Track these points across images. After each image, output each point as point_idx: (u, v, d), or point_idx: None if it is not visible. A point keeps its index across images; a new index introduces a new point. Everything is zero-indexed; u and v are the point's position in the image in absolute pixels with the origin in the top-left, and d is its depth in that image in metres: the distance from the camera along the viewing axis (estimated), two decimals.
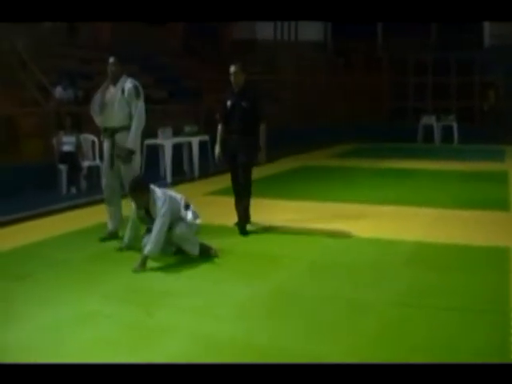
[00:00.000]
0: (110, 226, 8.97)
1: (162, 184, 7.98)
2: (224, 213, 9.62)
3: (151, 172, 14.75)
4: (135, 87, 8.73)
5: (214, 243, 8.16)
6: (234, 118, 9.22)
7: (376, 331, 5.55)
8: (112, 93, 8.70)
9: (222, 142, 9.50)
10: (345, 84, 27.53)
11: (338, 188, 13.48)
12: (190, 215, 7.91)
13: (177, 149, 15.71)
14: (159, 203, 7.55)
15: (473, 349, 5.11)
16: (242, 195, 9.30)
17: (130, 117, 8.67)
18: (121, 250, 8.19)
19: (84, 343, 5.36)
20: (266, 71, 26.56)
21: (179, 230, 7.68)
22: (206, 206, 8.76)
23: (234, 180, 9.41)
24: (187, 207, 7.96)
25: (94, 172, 13.52)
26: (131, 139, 8.65)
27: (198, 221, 7.98)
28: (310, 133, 23.90)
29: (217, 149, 9.47)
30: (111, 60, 8.75)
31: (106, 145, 8.88)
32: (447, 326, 5.62)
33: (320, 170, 17.14)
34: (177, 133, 15.82)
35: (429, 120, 24.53)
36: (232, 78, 9.24)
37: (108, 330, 5.64)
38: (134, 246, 8.06)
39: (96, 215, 10.07)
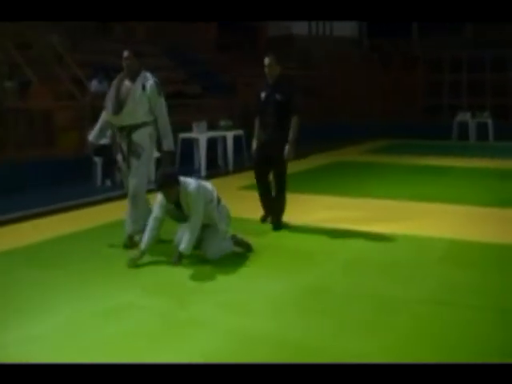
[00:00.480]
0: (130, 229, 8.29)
1: (195, 178, 7.79)
2: (257, 207, 9.55)
3: (186, 166, 14.83)
4: (157, 84, 8.19)
5: (247, 238, 8.21)
6: (268, 111, 9.03)
7: (408, 329, 5.52)
8: (129, 88, 8.09)
9: (258, 137, 9.32)
10: (379, 80, 27.35)
11: (373, 184, 13.38)
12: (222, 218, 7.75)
13: (211, 143, 15.76)
14: (193, 193, 7.31)
15: (506, 348, 5.07)
16: (277, 190, 9.15)
17: (148, 114, 8.15)
18: (126, 247, 8.15)
19: (116, 336, 5.41)
20: (301, 66, 26.53)
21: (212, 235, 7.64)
22: (240, 200, 8.75)
23: (262, 175, 9.26)
24: (218, 201, 7.80)
25: None
26: (169, 140, 8.26)
27: (224, 225, 7.77)
28: (344, 128, 23.81)
29: (254, 144, 9.32)
30: (126, 54, 8.15)
31: (123, 144, 8.19)
32: (479, 325, 5.56)
33: (354, 165, 17.06)
34: (212, 127, 15.88)
35: (464, 117, 24.28)
36: (266, 70, 9.07)
37: (141, 324, 5.67)
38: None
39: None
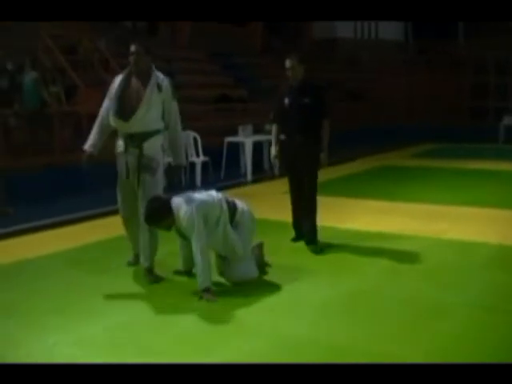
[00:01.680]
0: (146, 262, 7.13)
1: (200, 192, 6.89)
2: None
3: (231, 169, 14.86)
4: (171, 84, 7.07)
5: (290, 243, 8.19)
6: (294, 117, 8.18)
7: (453, 334, 5.46)
8: (139, 89, 6.86)
9: (278, 144, 8.55)
10: (425, 83, 27.15)
11: (418, 189, 13.22)
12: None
13: (257, 147, 15.75)
14: (185, 218, 6.40)
15: None
16: (307, 208, 8.35)
17: (160, 120, 6.97)
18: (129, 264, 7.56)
19: (162, 339, 5.44)
20: (345, 70, 26.47)
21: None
22: (284, 205, 8.67)
23: (295, 190, 8.46)
24: (232, 218, 6.76)
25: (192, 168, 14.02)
26: (182, 152, 7.32)
27: (241, 248, 6.74)
28: (389, 132, 23.67)
29: (272, 151, 8.59)
30: (133, 48, 6.92)
31: (130, 157, 6.89)
32: None
33: (399, 170, 16.86)
34: (257, 131, 15.86)
35: (510, 120, 23.95)
36: (289, 73, 8.22)
37: (186, 327, 5.69)
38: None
39: None
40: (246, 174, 15.10)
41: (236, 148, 15.83)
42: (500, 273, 7.19)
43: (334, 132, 8.30)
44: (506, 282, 6.87)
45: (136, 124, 6.77)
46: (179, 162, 7.32)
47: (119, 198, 7.24)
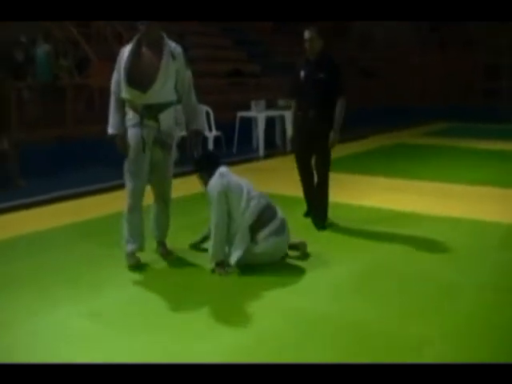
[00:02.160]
0: (134, 245, 6.71)
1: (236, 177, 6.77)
2: None
3: (243, 144, 14.83)
4: (184, 52, 6.70)
5: (303, 220, 8.15)
6: (310, 92, 7.91)
7: (467, 315, 5.43)
8: (151, 58, 6.45)
9: (296, 122, 8.33)
10: (438, 62, 26.99)
11: (430, 167, 13.20)
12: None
13: (269, 122, 15.70)
14: (210, 187, 6.42)
15: None
16: (321, 181, 8.13)
17: (174, 91, 6.60)
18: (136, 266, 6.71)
19: (177, 316, 5.44)
20: (359, 48, 26.33)
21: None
22: (296, 179, 8.58)
23: (306, 166, 8.21)
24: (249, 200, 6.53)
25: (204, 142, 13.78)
26: (202, 120, 7.13)
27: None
28: (402, 111, 23.59)
29: (289, 130, 8.17)
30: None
31: (146, 130, 6.47)
32: None
33: (413, 148, 16.79)
34: (270, 106, 15.81)
35: None
36: (307, 45, 7.92)
37: (198, 303, 5.66)
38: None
39: (187, 185, 9.49)
40: (258, 149, 15.07)
41: (248, 123, 15.81)
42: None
43: (347, 110, 8.04)
44: None
45: (154, 95, 6.39)
46: (200, 129, 6.97)
47: (131, 174, 6.58)
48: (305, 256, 6.90)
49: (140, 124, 6.47)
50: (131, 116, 6.52)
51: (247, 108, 15.49)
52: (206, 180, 6.60)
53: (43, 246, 7.39)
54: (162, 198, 6.89)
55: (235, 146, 15.01)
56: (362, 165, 13.44)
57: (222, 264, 6.35)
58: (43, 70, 13.36)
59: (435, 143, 17.51)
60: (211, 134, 14.09)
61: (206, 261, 6.52)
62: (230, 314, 5.42)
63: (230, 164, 7.04)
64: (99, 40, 16.35)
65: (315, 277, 6.33)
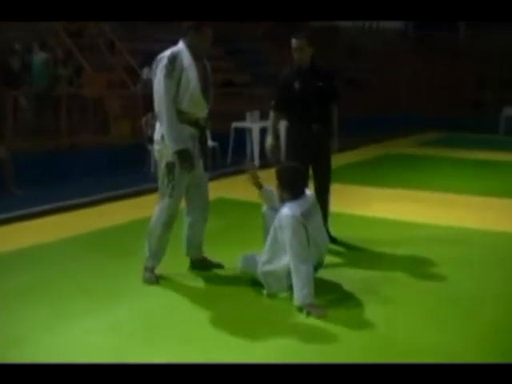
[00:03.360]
0: (156, 262, 6.59)
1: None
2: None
3: (238, 155, 14.80)
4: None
5: None
6: (308, 102, 7.59)
7: (483, 324, 5.47)
8: (202, 70, 6.39)
9: (275, 133, 8.09)
10: (426, 73, 27.11)
11: (427, 177, 13.30)
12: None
13: (264, 133, 15.68)
14: (283, 216, 5.72)
15: None
16: (325, 191, 7.85)
17: None
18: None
19: (199, 321, 5.44)
20: (346, 58, 26.42)
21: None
22: None
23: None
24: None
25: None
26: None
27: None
28: (390, 121, 23.66)
29: (269, 140, 7.94)
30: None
31: (193, 143, 6.34)
32: None
33: (404, 158, 16.86)
34: (264, 117, 15.80)
35: (510, 111, 23.89)
36: (297, 54, 7.54)
37: (224, 309, 5.72)
38: None
39: None
40: (253, 160, 15.01)
41: (242, 134, 15.75)
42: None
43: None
44: None
45: (204, 107, 6.39)
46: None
47: (176, 188, 6.32)
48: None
49: (191, 137, 6.31)
50: (188, 129, 6.29)
51: (241, 119, 15.46)
52: (285, 197, 5.96)
53: (51, 258, 7.30)
54: (204, 208, 6.69)
55: (229, 156, 14.97)
56: (359, 175, 13.48)
57: (312, 304, 5.62)
58: (40, 78, 13.30)
59: (426, 153, 17.57)
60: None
61: (227, 268, 6.63)
62: (256, 319, 5.48)
63: (224, 175, 7.00)
64: (92, 49, 16.31)
65: (318, 286, 6.19)
